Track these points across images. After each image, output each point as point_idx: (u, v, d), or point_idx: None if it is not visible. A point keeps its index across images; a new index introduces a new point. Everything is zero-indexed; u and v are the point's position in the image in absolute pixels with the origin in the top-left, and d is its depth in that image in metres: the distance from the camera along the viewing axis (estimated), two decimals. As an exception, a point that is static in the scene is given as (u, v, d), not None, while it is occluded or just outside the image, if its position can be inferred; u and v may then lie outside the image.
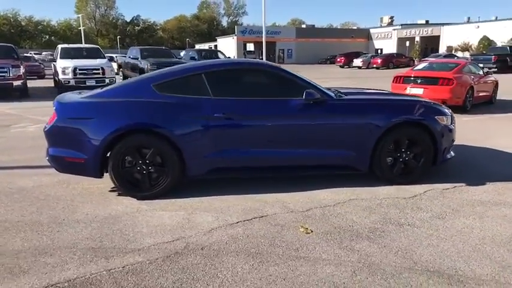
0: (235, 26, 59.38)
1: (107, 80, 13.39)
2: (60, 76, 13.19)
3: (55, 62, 14.78)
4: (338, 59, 41.34)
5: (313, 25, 67.39)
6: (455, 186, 4.16)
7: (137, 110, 3.78)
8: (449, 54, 33.33)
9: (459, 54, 38.22)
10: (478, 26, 41.63)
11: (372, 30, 60.05)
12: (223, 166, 3.94)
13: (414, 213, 3.50)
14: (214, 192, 3.94)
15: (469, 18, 51.89)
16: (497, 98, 11.57)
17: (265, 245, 2.90)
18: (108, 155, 3.71)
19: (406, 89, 9.66)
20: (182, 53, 24.56)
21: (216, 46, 60.42)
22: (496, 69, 22.33)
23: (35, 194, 4.01)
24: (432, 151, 4.20)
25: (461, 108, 9.26)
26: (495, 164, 5.05)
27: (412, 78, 9.88)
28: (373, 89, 5.65)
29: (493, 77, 11.47)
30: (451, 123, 4.41)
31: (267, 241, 2.97)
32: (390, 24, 60.57)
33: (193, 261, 2.68)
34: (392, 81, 10.36)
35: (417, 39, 49.82)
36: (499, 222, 3.31)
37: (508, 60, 24.53)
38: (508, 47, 26.51)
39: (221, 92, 3.95)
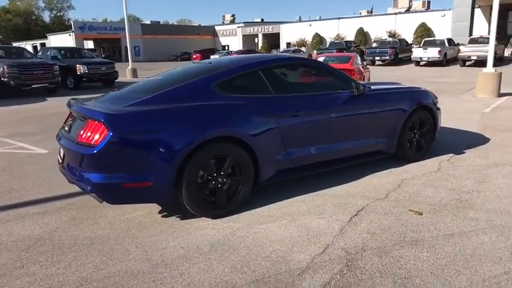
0: (72, 22, 52.74)
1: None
2: None
3: None
4: (194, 56, 41.63)
5: (159, 22, 65.58)
6: (450, 158, 4.95)
7: (210, 115, 3.24)
8: (297, 49, 37.41)
9: (303, 49, 43.22)
10: (310, 24, 47.90)
11: (217, 28, 62.18)
12: (287, 167, 3.73)
13: (463, 179, 4.06)
14: (272, 198, 3.69)
15: (300, 17, 59.06)
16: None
17: (404, 234, 2.97)
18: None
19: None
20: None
21: (44, 44, 52.75)
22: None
23: (106, 244, 3.04)
24: (433, 129, 4.92)
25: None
26: (451, 136, 6.17)
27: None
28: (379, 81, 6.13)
29: (368, 68, 13.62)
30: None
31: (402, 230, 3.03)
32: (232, 22, 63.89)
33: (375, 263, 2.56)
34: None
35: (260, 36, 54.12)
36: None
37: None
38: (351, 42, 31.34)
39: (280, 89, 3.73)
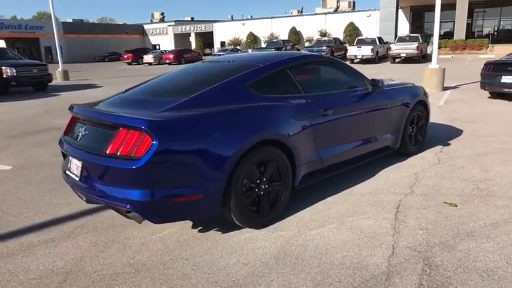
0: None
1: None
2: None
3: None
4: (125, 56, 39.42)
5: (81, 20, 61.10)
6: (441, 150, 5.22)
7: (254, 117, 3.00)
8: (235, 48, 37.32)
9: (239, 48, 43.23)
10: (244, 24, 48.20)
11: (146, 26, 59.83)
12: (317, 168, 3.62)
13: (467, 168, 4.27)
14: (302, 202, 3.57)
15: (232, 16, 59.15)
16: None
17: (455, 227, 3.03)
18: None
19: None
20: None
21: None
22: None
23: (155, 270, 2.62)
24: (426, 123, 5.15)
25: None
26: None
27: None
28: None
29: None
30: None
31: (450, 223, 3.08)
32: (162, 20, 61.97)
33: (450, 259, 2.55)
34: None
35: (193, 35, 53.15)
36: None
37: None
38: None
39: (308, 88, 3.59)
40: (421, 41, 24.09)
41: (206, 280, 2.43)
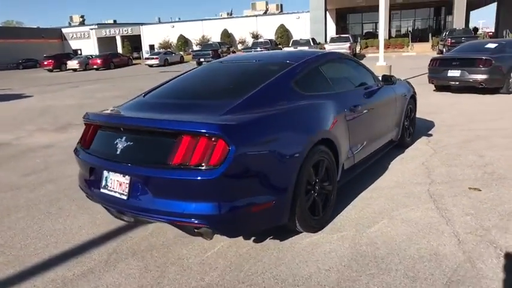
0: None
1: None
2: None
3: None
4: (45, 62, 36.12)
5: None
6: (429, 141, 5.54)
7: (311, 117, 2.90)
8: (168, 52, 36.09)
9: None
10: (173, 26, 46.99)
11: (64, 30, 55.47)
12: (350, 166, 3.59)
13: (464, 155, 4.57)
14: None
15: (159, 18, 57.26)
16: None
17: (496, 209, 3.20)
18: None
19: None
20: None
21: None
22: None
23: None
24: (415, 116, 5.44)
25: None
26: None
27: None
28: None
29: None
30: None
31: (488, 206, 3.25)
32: (82, 23, 57.96)
33: None
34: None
35: (118, 38, 50.51)
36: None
37: (220, 53, 29.77)
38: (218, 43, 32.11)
39: (337, 85, 3.56)
40: (351, 41, 25.61)
41: (300, 292, 2.27)
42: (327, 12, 35.00)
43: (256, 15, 44.67)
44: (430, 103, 8.54)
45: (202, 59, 28.18)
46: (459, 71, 9.24)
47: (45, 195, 4.11)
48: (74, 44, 54.00)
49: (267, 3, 48.04)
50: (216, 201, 2.29)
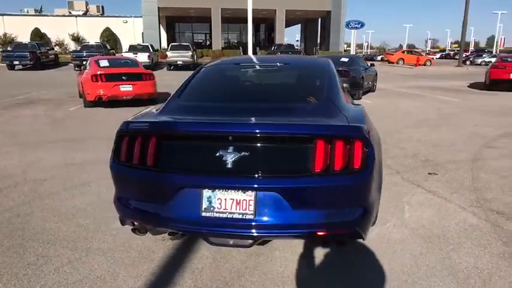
0: None
1: None
2: None
3: None
4: None
5: None
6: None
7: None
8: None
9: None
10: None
11: None
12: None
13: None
14: None
15: None
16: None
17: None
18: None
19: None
20: None
21: None
22: (32, 64, 23.44)
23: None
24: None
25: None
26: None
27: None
28: None
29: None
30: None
31: (489, 177, 3.99)
32: None
33: None
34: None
35: None
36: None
37: (41, 56, 25.41)
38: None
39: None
40: (192, 49, 25.93)
41: None
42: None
43: (76, 16, 39.87)
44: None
45: (16, 62, 23.43)
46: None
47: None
48: None
49: (87, 4, 43.56)
50: (363, 205, 2.19)
